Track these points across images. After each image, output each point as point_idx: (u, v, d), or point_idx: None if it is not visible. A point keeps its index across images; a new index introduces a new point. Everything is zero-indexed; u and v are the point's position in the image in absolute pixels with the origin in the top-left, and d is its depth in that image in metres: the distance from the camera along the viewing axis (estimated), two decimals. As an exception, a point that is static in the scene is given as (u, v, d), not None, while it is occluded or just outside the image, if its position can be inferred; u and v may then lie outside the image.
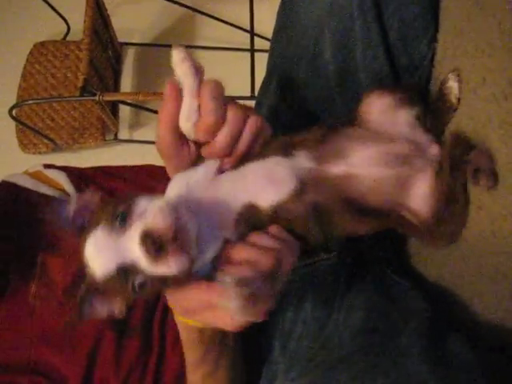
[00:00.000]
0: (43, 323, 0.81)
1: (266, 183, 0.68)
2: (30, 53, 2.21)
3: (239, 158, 0.67)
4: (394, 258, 0.96)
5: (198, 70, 0.65)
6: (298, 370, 0.79)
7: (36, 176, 0.99)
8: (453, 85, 0.76)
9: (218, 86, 0.64)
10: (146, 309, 0.87)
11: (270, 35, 2.05)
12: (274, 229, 0.66)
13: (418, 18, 0.84)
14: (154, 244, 0.55)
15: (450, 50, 0.82)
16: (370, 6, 0.82)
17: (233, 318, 0.58)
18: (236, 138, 0.65)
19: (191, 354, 0.76)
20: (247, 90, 1.68)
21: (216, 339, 0.74)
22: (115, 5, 2.25)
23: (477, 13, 0.74)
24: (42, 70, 2.17)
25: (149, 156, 2.03)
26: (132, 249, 0.57)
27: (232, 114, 0.64)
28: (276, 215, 0.67)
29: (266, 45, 2.00)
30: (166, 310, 0.87)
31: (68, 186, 0.98)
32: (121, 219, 0.58)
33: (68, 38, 2.28)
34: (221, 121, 0.64)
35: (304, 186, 0.68)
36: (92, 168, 1.09)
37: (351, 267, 0.89)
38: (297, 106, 0.93)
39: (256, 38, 1.86)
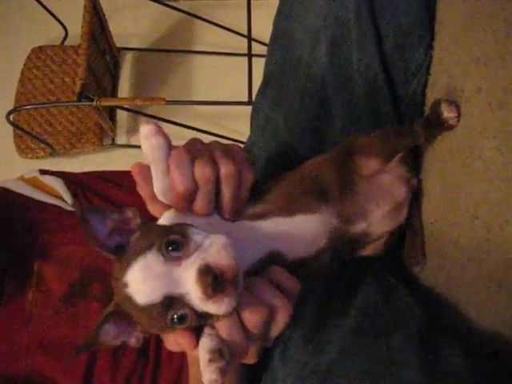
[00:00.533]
0: (40, 332, 0.81)
1: (297, 240, 0.71)
2: (28, 57, 2.22)
3: (233, 208, 0.67)
4: (391, 261, 0.96)
5: (166, 143, 0.63)
6: (295, 375, 0.79)
7: (32, 182, 0.99)
8: (449, 115, 0.76)
9: (180, 153, 0.62)
10: None
11: (267, 40, 2.07)
12: (276, 273, 0.65)
13: (414, 26, 0.84)
14: (215, 281, 0.53)
15: (445, 58, 0.82)
16: (366, 14, 0.83)
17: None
18: (211, 193, 0.64)
19: (194, 371, 0.76)
20: (245, 96, 1.68)
21: None
22: (113, 10, 2.26)
23: (472, 21, 0.74)
24: (39, 75, 2.18)
25: (146, 161, 2.04)
26: (186, 281, 0.55)
27: (199, 173, 0.62)
28: (299, 263, 0.71)
29: (264, 50, 2.00)
30: None
31: (65, 193, 0.97)
32: (174, 248, 0.56)
33: (66, 43, 2.29)
34: (192, 185, 0.62)
35: (328, 241, 0.74)
36: (88, 173, 1.09)
37: (350, 269, 0.89)
38: (293, 115, 0.93)
39: (253, 43, 1.87)
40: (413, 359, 0.66)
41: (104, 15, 2.02)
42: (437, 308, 0.82)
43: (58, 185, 0.98)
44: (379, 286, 0.85)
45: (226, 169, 0.64)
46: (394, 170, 0.84)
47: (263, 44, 2.06)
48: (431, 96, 0.87)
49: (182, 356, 0.85)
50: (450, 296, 0.81)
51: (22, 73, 2.19)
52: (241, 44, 2.02)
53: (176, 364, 0.86)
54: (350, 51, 0.86)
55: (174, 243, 0.56)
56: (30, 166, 2.06)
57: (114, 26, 2.14)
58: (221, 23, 2.18)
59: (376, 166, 0.81)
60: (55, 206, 0.96)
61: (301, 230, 0.72)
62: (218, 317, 0.57)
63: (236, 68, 2.01)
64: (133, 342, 0.62)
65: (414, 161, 0.89)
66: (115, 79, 2.23)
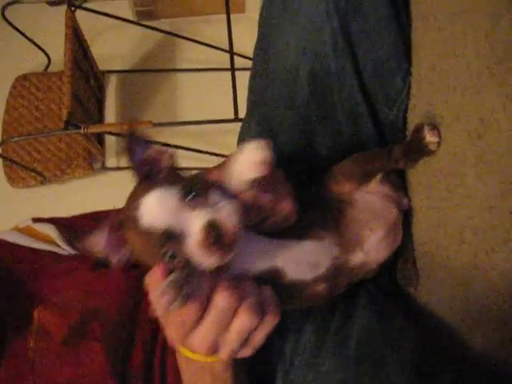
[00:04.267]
0: (44, 376, 0.81)
1: (300, 262, 0.75)
2: (13, 86, 2.21)
3: None
4: (384, 282, 0.98)
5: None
6: None
7: (26, 231, 1.00)
8: (431, 139, 0.78)
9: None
10: (146, 351, 0.88)
11: (249, 53, 2.07)
12: (267, 291, 0.68)
13: (391, 56, 0.86)
14: (217, 236, 0.58)
15: (424, 85, 0.84)
16: (343, 46, 0.84)
17: None
18: None
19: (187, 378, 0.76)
20: (231, 110, 1.69)
21: (220, 373, 0.74)
22: (94, 34, 2.26)
23: (446, 51, 0.76)
24: (25, 103, 2.18)
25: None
26: (191, 225, 0.59)
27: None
28: (294, 287, 0.74)
29: (246, 63, 2.02)
30: (165, 350, 0.88)
31: (59, 239, 0.98)
32: (193, 196, 0.61)
33: (49, 69, 2.29)
34: None
35: (328, 271, 0.76)
36: (78, 216, 1.10)
37: (344, 293, 0.91)
38: (277, 147, 0.94)
39: (236, 57, 1.88)
40: None
41: (86, 41, 2.03)
42: (432, 329, 0.84)
43: (51, 231, 0.99)
44: (376, 311, 0.86)
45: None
46: (378, 190, 0.86)
47: (245, 57, 2.07)
48: (412, 121, 0.89)
49: None
50: (443, 317, 0.82)
51: (8, 102, 2.18)
52: (223, 59, 2.03)
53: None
54: (330, 82, 0.88)
55: (193, 193, 0.61)
56: (21, 195, 2.08)
57: (96, 50, 2.15)
58: (202, 40, 2.20)
59: (348, 189, 0.84)
60: (51, 252, 0.97)
61: (306, 253, 0.76)
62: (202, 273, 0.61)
63: (220, 83, 2.02)
64: (115, 259, 0.67)
65: (401, 181, 0.91)
66: (101, 102, 2.24)
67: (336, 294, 0.82)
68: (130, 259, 0.67)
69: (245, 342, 0.66)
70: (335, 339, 0.83)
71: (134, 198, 0.62)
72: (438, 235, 0.81)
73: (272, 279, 0.72)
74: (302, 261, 0.75)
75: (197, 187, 0.62)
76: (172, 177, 0.65)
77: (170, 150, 0.68)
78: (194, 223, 0.59)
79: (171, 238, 0.59)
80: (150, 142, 0.67)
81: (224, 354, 0.67)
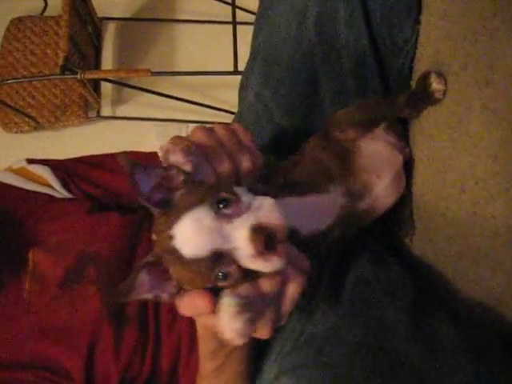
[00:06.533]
0: (40, 318, 0.82)
1: (309, 217, 0.75)
2: (7, 29, 2.16)
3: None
4: (381, 233, 0.98)
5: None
6: (291, 345, 0.81)
7: (20, 172, 0.99)
8: (437, 87, 0.78)
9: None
10: None
11: (252, 7, 2.01)
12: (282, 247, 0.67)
13: (401, 2, 0.84)
14: (267, 239, 0.54)
15: (433, 33, 0.83)
16: None
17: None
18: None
19: (205, 346, 0.75)
20: (230, 64, 1.67)
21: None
22: (93, -22, 2.20)
23: (459, -4, 0.75)
24: (20, 47, 2.13)
25: (131, 132, 2.04)
26: (236, 238, 0.55)
27: (221, 170, 0.66)
28: (310, 239, 0.73)
29: (248, 17, 1.99)
30: None
31: (53, 181, 0.97)
32: (225, 205, 0.56)
33: (45, 14, 2.23)
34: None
35: (337, 218, 0.77)
36: (73, 159, 1.08)
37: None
38: (282, 91, 0.94)
39: (238, 11, 1.85)
40: (406, 330, 0.69)
41: (84, -16, 1.97)
42: (426, 279, 0.85)
43: (45, 173, 0.98)
44: (371, 258, 0.87)
45: (244, 165, 0.67)
46: (383, 137, 0.85)
47: (248, 11, 2.04)
48: (418, 70, 0.88)
49: (181, 328, 0.87)
50: (438, 267, 0.83)
51: (2, 45, 2.13)
52: (225, 12, 2.00)
53: (175, 336, 0.88)
54: (337, 27, 0.86)
55: (225, 201, 0.56)
56: (14, 140, 2.05)
57: (96, -5, 2.09)
58: (204, -9, 2.15)
59: (352, 137, 0.82)
60: (45, 194, 0.96)
61: (312, 208, 0.75)
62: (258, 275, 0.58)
63: (221, 36, 1.99)
64: (165, 297, 0.62)
65: (403, 131, 0.90)
66: (98, 50, 2.19)
67: (348, 237, 0.82)
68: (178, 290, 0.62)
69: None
70: (329, 285, 0.84)
71: (165, 229, 0.57)
72: (438, 185, 0.81)
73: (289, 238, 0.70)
74: (309, 214, 0.74)
75: (224, 192, 0.57)
76: (193, 191, 0.59)
77: (175, 166, 0.62)
78: (239, 234, 0.55)
79: (219, 258, 0.55)
80: (150, 166, 0.61)
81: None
